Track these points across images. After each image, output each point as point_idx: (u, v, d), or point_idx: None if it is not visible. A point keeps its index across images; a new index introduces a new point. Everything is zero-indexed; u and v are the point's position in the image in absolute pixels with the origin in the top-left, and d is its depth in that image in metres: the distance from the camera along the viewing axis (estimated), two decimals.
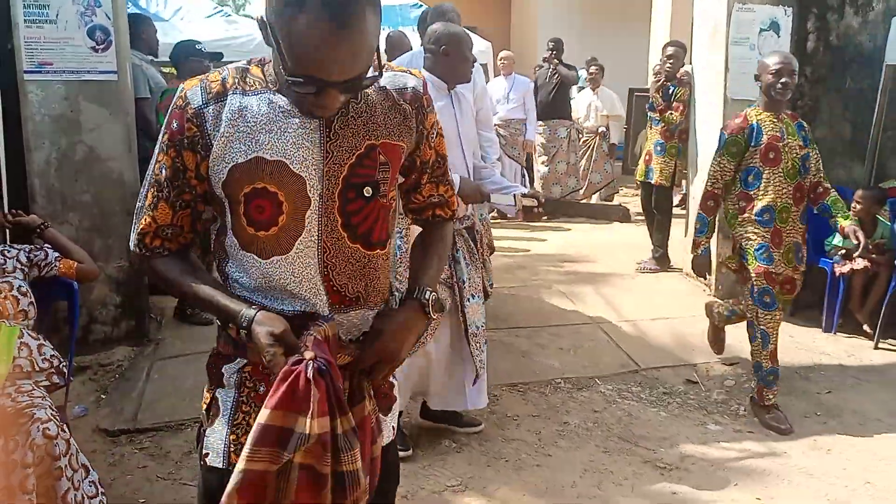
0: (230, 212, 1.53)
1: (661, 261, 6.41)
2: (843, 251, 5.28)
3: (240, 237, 1.53)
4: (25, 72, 4.32)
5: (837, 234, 5.28)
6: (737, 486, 3.37)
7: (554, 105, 8.11)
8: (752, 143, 3.84)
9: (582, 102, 8.86)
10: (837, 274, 5.26)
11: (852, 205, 5.24)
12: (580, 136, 8.70)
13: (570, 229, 8.18)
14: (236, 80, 1.52)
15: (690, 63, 6.43)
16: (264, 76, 1.52)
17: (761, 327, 4.02)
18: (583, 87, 9.21)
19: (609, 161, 8.55)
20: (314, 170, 1.48)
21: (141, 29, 5.55)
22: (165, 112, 4.84)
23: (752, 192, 3.88)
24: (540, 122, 7.99)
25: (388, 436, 1.71)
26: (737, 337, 5.08)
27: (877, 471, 3.50)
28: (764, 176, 3.84)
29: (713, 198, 3.96)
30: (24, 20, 4.27)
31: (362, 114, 1.53)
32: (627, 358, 4.75)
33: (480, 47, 11.36)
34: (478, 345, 3.46)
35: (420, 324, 1.63)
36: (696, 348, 4.91)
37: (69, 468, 2.59)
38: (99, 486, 2.76)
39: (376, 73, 1.47)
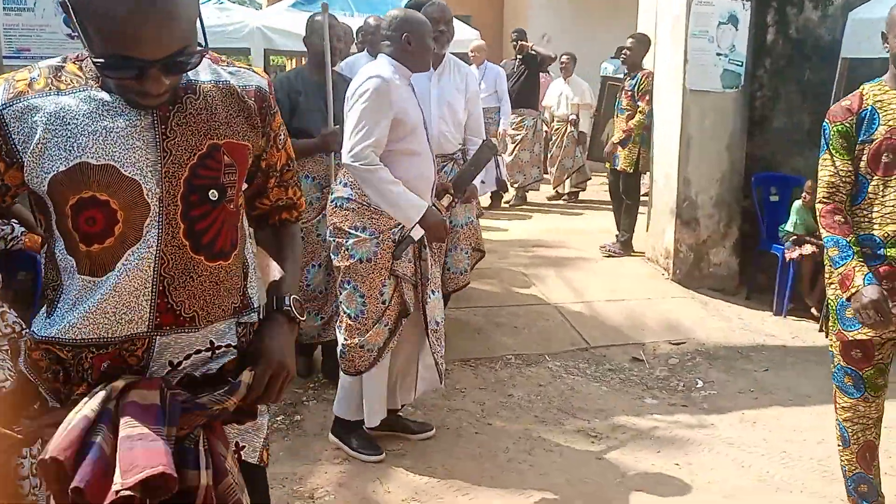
0: (58, 229, 1.38)
1: (626, 245, 6.61)
2: (794, 237, 5.48)
3: (73, 255, 1.39)
4: (4, 57, 4.53)
5: (789, 221, 5.52)
6: (659, 454, 3.59)
7: (520, 95, 8.26)
8: (861, 136, 2.65)
9: (554, 91, 9.04)
10: (787, 259, 5.46)
11: (803, 194, 5.44)
12: (546, 125, 8.89)
13: (540, 215, 8.41)
14: (49, 80, 1.37)
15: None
16: (82, 72, 1.39)
17: (838, 417, 2.94)
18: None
19: (579, 148, 8.73)
20: (150, 172, 1.35)
21: None
22: None
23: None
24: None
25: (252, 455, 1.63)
26: (682, 316, 5.33)
27: (795, 441, 3.72)
28: (870, 188, 2.66)
29: (837, 211, 2.67)
30: (3, 7, 4.48)
31: (202, 111, 1.41)
32: (579, 337, 4.97)
33: (469, 37, 11.58)
34: (439, 340, 3.41)
35: (293, 334, 1.58)
36: (647, 328, 5.13)
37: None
38: None
39: (203, 49, 1.35)
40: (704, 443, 3.71)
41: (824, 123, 2.75)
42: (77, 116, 1.34)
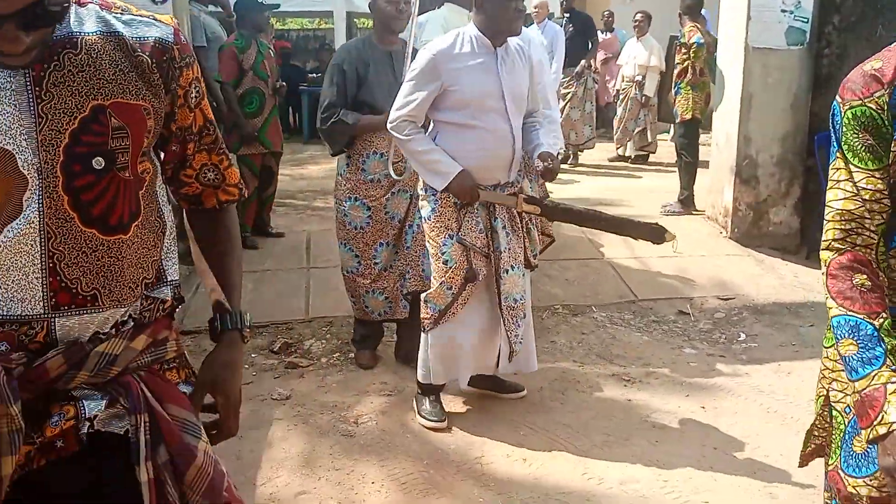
0: None
1: (686, 203, 6.67)
2: None
3: None
4: None
5: None
6: (688, 397, 3.75)
7: (570, 53, 8.29)
8: None
9: (626, 50, 9.00)
10: None
11: None
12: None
13: (603, 175, 8.49)
14: None
15: (706, 14, 6.68)
16: None
17: None
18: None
19: (644, 111, 8.72)
20: (24, 139, 1.21)
21: None
22: (220, 67, 5.36)
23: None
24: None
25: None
26: (734, 273, 5.40)
27: None
28: None
29: (858, 267, 1.56)
30: None
31: (84, 68, 1.24)
32: (627, 289, 5.13)
33: None
34: (514, 319, 3.27)
35: (241, 351, 1.50)
36: (697, 284, 5.23)
37: None
38: None
39: None
40: (734, 390, 3.85)
41: (833, 104, 1.62)
42: None
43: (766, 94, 5.76)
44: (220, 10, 6.40)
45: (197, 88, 1.42)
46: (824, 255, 1.61)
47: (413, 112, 3.21)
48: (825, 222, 1.61)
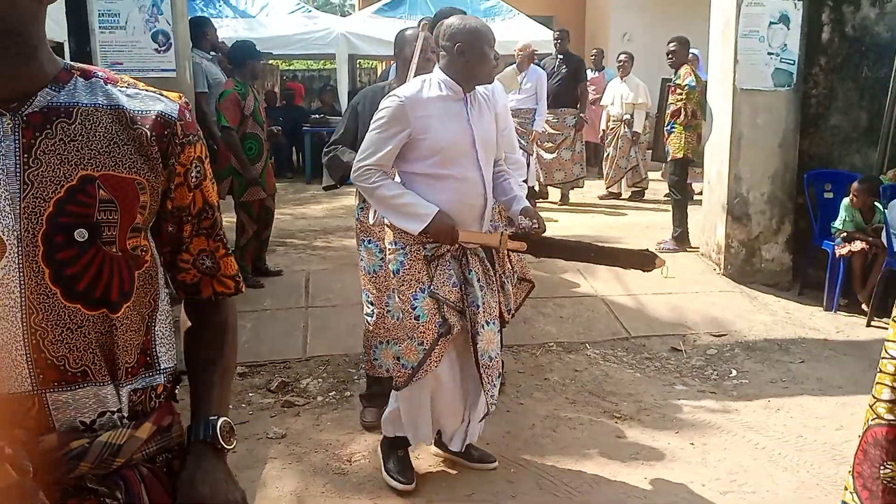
0: None
1: (681, 241, 6.76)
2: (844, 234, 5.54)
3: None
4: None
5: (838, 218, 5.59)
6: (678, 434, 3.81)
7: (561, 94, 8.44)
8: None
9: (610, 90, 9.19)
10: (838, 255, 5.53)
11: (850, 196, 5.52)
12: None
13: (611, 212, 8.60)
14: None
15: (697, 53, 6.85)
16: None
17: None
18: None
19: (634, 148, 8.86)
20: (7, 205, 1.18)
21: (205, 30, 6.33)
22: (224, 112, 5.50)
23: None
24: (548, 111, 8.21)
25: None
26: (727, 309, 5.47)
27: (813, 427, 3.87)
28: None
29: None
30: (99, 27, 5.08)
31: (76, 137, 1.23)
32: (620, 327, 5.20)
33: (546, 38, 11.83)
34: (490, 378, 3.11)
35: (223, 462, 1.36)
36: (690, 320, 5.30)
37: None
38: None
39: (67, 67, 1.23)
40: (724, 426, 3.90)
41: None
42: None
43: (755, 134, 5.88)
44: (219, 55, 6.57)
45: (199, 168, 1.35)
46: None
47: (380, 161, 3.03)
48: None
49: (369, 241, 3.72)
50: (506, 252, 3.34)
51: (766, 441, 3.73)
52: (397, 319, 3.19)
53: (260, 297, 5.54)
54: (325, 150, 3.85)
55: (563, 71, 8.59)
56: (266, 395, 4.29)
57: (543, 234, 3.27)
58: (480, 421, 3.31)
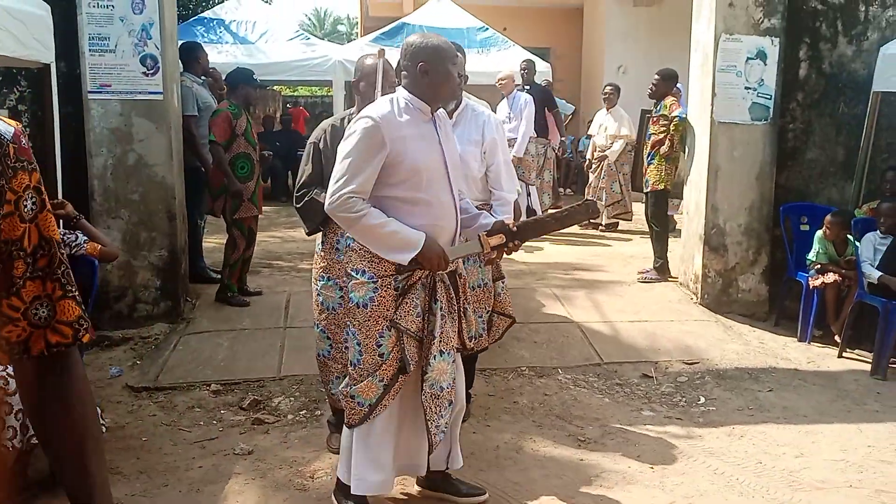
0: None
1: (662, 271, 6.83)
2: (818, 266, 5.62)
3: None
4: (89, 92, 5.26)
5: (812, 250, 5.67)
6: (639, 458, 3.85)
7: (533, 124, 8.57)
8: None
9: (597, 121, 9.32)
10: (811, 287, 5.60)
11: (823, 228, 5.61)
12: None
13: (593, 242, 8.69)
14: None
15: (680, 87, 6.97)
16: None
17: None
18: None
19: (618, 179, 8.97)
20: None
21: (196, 55, 6.48)
22: (213, 128, 5.68)
23: None
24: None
25: None
26: (701, 338, 5.53)
27: (773, 454, 3.91)
28: None
29: None
30: (89, 50, 5.21)
31: None
32: (594, 352, 5.26)
33: (541, 69, 12.00)
34: (437, 408, 3.02)
35: None
36: (663, 348, 5.36)
37: None
38: (99, 417, 3.54)
39: None
40: (686, 451, 3.95)
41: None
42: None
43: (732, 167, 5.99)
44: (209, 79, 6.71)
45: (34, 200, 1.22)
46: None
47: (361, 187, 2.88)
48: None
49: (328, 279, 3.64)
50: (465, 281, 3.28)
51: (725, 466, 3.78)
52: (355, 358, 3.04)
53: (240, 317, 5.63)
54: (296, 193, 3.70)
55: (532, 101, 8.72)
56: (238, 412, 4.35)
57: (515, 223, 3.19)
58: (430, 454, 3.15)
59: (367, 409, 3.01)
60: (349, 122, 3.39)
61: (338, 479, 3.25)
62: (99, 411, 3.56)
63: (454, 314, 3.12)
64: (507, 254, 3.15)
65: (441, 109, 3.15)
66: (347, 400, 3.07)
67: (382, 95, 3.31)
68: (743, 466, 3.78)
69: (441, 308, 3.03)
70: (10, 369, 3.21)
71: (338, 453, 3.58)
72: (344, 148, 2.95)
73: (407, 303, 2.98)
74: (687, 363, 5.17)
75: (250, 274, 6.38)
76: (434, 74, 2.96)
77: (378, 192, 2.95)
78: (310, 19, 51.49)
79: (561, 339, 5.43)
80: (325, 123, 3.79)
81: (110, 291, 5.46)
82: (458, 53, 3.21)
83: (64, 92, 5.17)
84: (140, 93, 5.31)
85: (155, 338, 5.37)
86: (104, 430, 3.52)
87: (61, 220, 4.15)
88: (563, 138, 9.84)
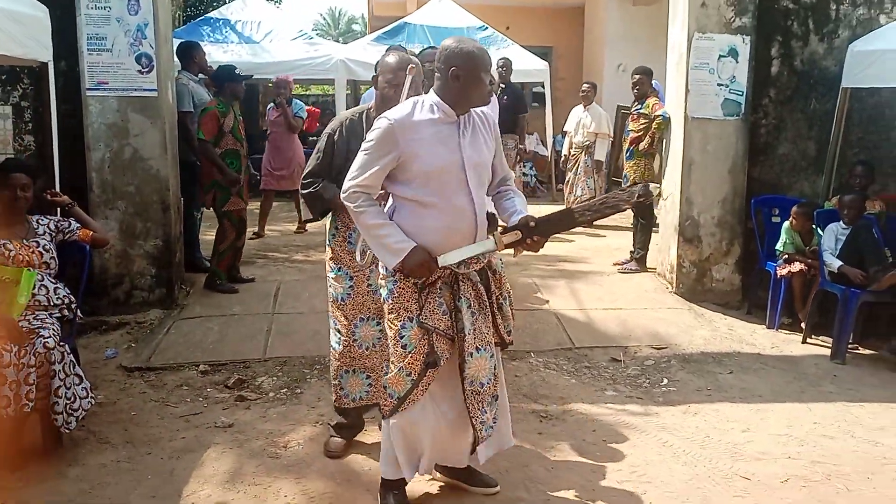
0: None
1: (640, 262, 7.05)
2: (785, 255, 5.84)
3: None
4: (87, 89, 5.55)
5: (779, 240, 5.88)
6: (594, 432, 4.10)
7: (504, 122, 8.74)
8: None
9: (573, 118, 9.54)
10: (779, 276, 5.81)
11: (790, 219, 5.82)
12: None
13: (578, 235, 8.92)
14: None
15: (657, 85, 7.19)
16: None
17: None
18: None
19: (593, 177, 9.19)
20: None
21: (193, 53, 6.77)
22: (202, 126, 5.99)
23: None
24: None
25: None
26: (671, 325, 5.75)
27: (722, 429, 4.14)
28: None
29: None
30: (87, 49, 5.50)
31: None
32: (567, 338, 5.50)
33: (538, 67, 12.23)
34: (479, 404, 3.09)
35: None
36: (634, 335, 5.59)
37: (62, 371, 3.65)
38: (89, 391, 3.82)
39: None
40: (640, 427, 4.18)
41: None
42: None
43: (705, 160, 6.20)
44: (206, 77, 6.99)
45: None
46: None
47: (367, 182, 3.00)
48: None
49: (339, 269, 3.68)
50: (502, 275, 3.32)
51: (675, 440, 4.01)
52: (366, 350, 3.46)
53: (230, 303, 5.91)
54: (303, 181, 3.72)
55: (505, 100, 8.87)
56: (223, 390, 4.62)
57: (533, 218, 3.12)
58: (472, 452, 3.25)
59: (396, 402, 3.09)
60: (366, 117, 3.62)
61: (381, 477, 3.30)
62: (89, 386, 3.85)
63: (485, 310, 3.15)
64: (532, 250, 3.16)
65: (476, 110, 3.16)
66: (381, 391, 3.19)
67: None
68: (691, 440, 4.02)
69: (470, 305, 3.07)
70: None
71: (332, 458, 3.76)
72: (363, 145, 3.06)
73: (431, 301, 3.05)
74: (655, 348, 5.40)
75: (244, 263, 6.67)
76: (465, 80, 2.98)
77: (395, 189, 3.06)
78: (325, 19, 51.87)
79: (536, 326, 5.67)
80: (344, 115, 3.78)
81: (108, 278, 5.75)
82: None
83: (65, 89, 5.47)
84: (135, 90, 5.59)
85: (150, 323, 5.65)
86: (88, 395, 3.79)
87: (57, 208, 4.45)
88: (556, 136, 10.05)
